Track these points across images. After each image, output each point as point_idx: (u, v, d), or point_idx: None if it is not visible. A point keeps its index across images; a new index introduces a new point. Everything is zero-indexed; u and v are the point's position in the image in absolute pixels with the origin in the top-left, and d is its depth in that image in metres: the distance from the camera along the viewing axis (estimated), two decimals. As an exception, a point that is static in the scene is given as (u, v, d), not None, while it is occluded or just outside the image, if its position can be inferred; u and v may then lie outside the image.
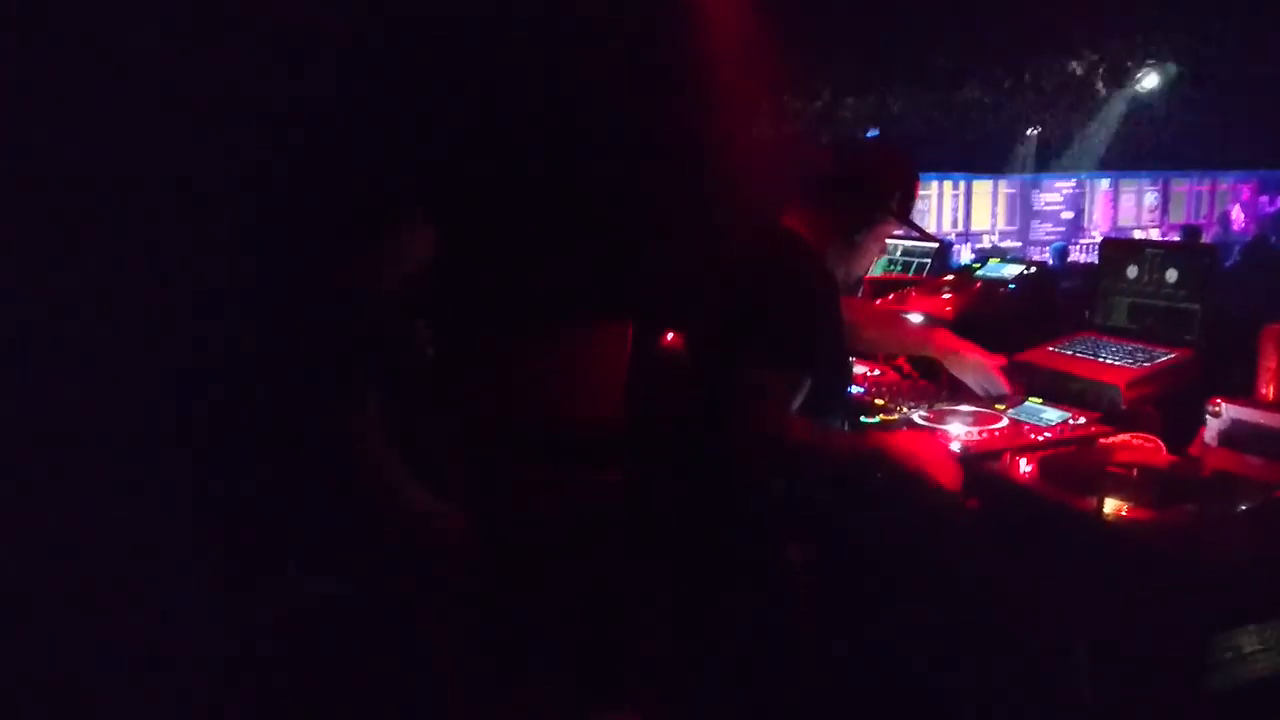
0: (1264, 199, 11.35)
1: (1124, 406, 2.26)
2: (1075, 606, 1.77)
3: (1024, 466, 2.00)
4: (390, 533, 2.09)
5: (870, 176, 2.21)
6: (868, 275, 3.61)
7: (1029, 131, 10.56)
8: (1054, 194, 11.25)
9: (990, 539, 1.98)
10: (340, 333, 2.07)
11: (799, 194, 2.23)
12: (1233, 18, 7.40)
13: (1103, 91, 9.23)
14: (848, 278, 2.26)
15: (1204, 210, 11.53)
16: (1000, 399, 2.42)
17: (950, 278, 3.22)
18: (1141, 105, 9.60)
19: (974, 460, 2.06)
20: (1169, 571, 1.66)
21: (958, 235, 10.74)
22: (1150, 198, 11.48)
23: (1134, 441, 2.05)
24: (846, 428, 2.26)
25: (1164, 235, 11.07)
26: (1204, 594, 1.63)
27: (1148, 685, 1.69)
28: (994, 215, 11.15)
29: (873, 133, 8.58)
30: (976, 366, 2.47)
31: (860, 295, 3.34)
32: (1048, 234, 11.07)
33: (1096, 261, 2.85)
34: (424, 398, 2.32)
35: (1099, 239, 10.08)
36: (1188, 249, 4.51)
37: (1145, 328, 2.49)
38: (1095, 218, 11.37)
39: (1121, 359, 2.39)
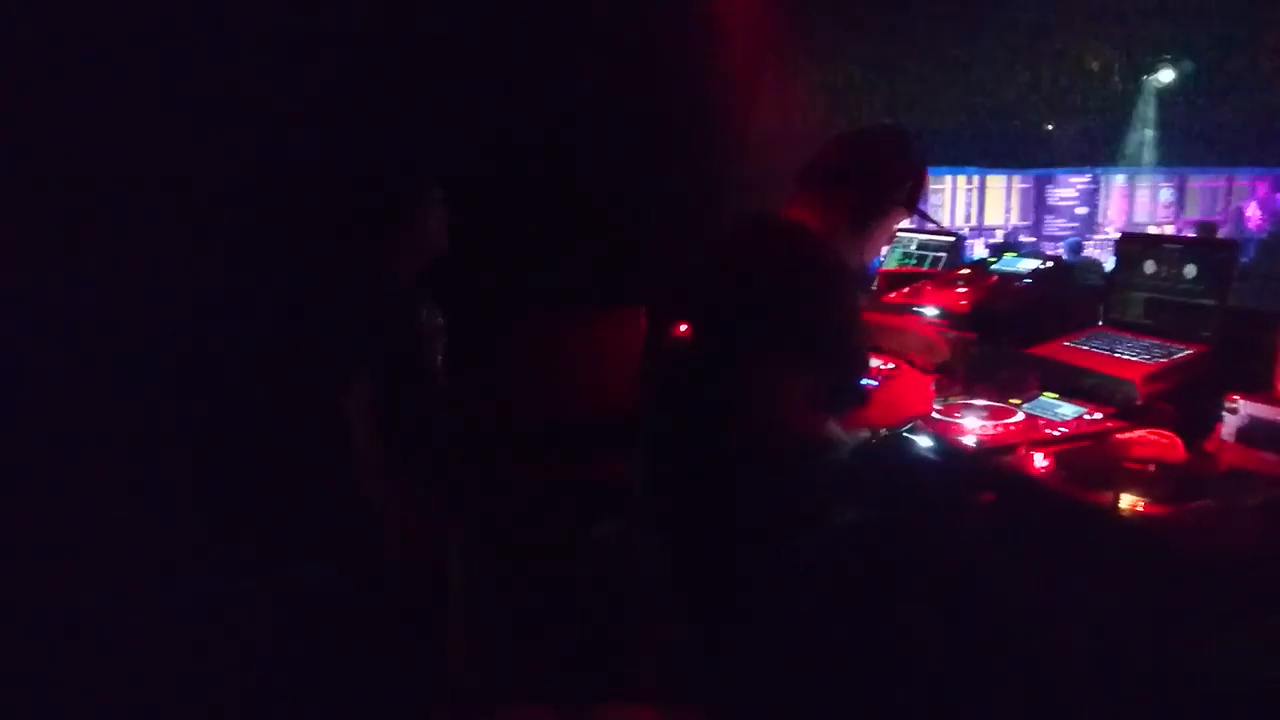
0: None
1: (1140, 402, 2.24)
2: (1090, 602, 1.76)
3: (1039, 461, 1.99)
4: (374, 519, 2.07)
5: (881, 166, 2.18)
6: (883, 269, 3.60)
7: (1046, 127, 10.47)
8: (1068, 189, 11.17)
9: (1005, 534, 1.96)
10: (340, 332, 2.06)
11: (806, 182, 2.20)
12: (1248, 13, 7.34)
13: (1120, 87, 9.15)
14: (855, 267, 2.24)
15: (1220, 206, 11.42)
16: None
17: (965, 271, 3.18)
18: (1163, 102, 9.51)
19: (989, 454, 2.04)
20: (1185, 567, 1.65)
21: (971, 230, 10.68)
22: (1165, 193, 11.39)
23: (1150, 437, 2.02)
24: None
25: (1179, 231, 10.97)
26: (1220, 590, 1.62)
27: (1162, 681, 1.67)
28: (1007, 210, 11.09)
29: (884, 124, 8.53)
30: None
31: (875, 288, 3.32)
32: (1061, 229, 10.99)
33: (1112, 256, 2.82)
34: (433, 391, 2.31)
35: (1113, 234, 10.00)
36: (1206, 244, 4.46)
37: (1162, 323, 2.47)
38: (1110, 213, 11.28)
39: (1138, 354, 2.37)
